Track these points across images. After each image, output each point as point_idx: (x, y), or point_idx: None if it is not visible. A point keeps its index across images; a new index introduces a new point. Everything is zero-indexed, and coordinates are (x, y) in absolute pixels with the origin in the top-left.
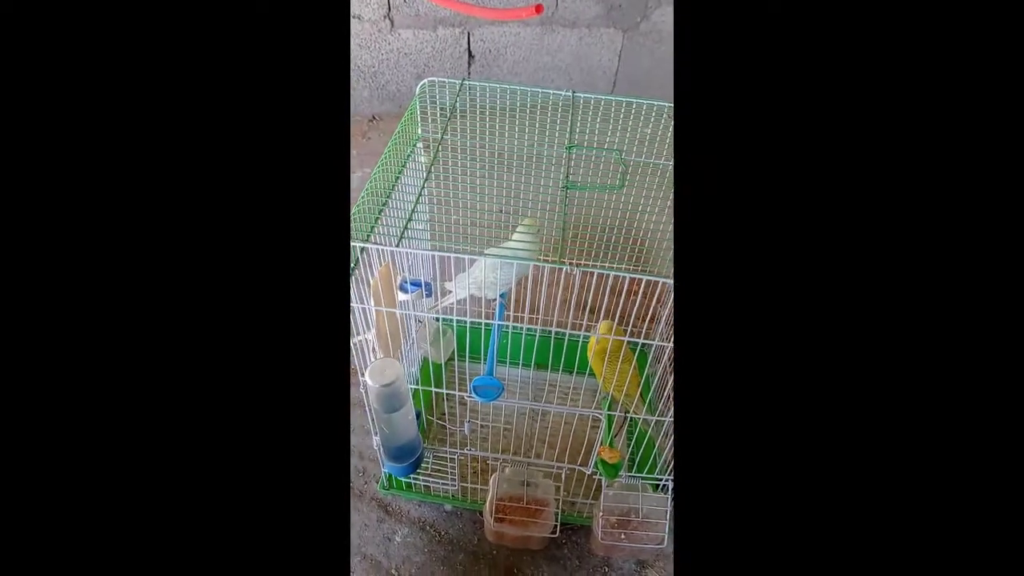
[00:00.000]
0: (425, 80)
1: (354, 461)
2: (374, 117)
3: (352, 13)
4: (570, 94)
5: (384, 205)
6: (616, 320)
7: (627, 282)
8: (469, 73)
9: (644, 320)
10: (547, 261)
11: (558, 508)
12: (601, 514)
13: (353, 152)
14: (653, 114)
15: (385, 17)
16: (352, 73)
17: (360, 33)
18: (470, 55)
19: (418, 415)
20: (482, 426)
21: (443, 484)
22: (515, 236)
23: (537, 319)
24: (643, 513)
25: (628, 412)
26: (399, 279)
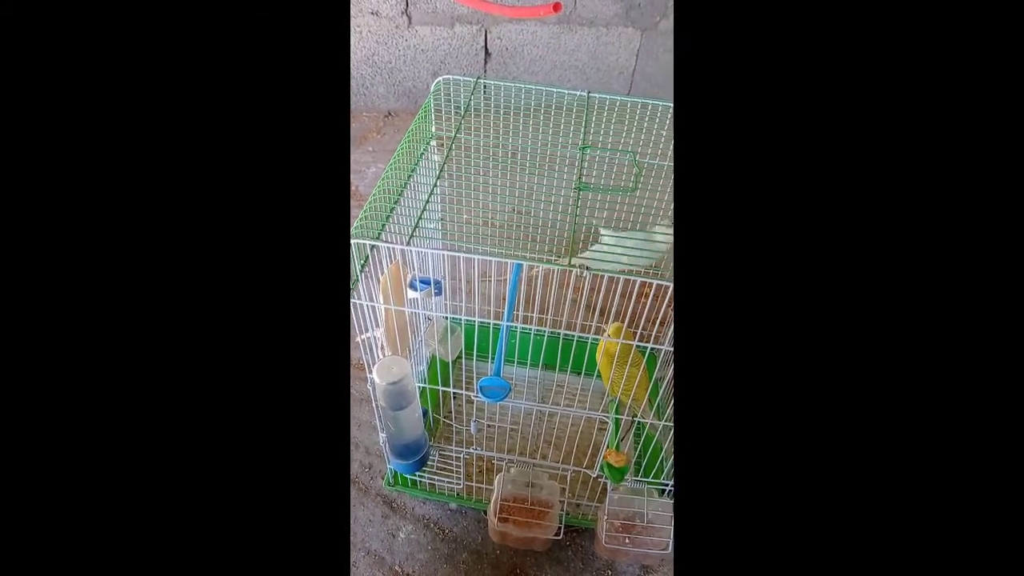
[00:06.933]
0: (440, 78)
1: (360, 456)
2: (389, 113)
3: (370, 9)
4: (585, 94)
5: (396, 203)
6: (626, 323)
7: (637, 285)
8: (485, 71)
9: (654, 323)
10: (557, 263)
11: (562, 510)
12: (606, 517)
13: (368, 148)
14: (669, 116)
15: (403, 13)
16: (368, 68)
17: (377, 29)
18: (487, 53)
19: (425, 413)
20: (488, 426)
21: (448, 482)
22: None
23: (546, 319)
24: (648, 518)
25: (635, 416)
26: (409, 277)
